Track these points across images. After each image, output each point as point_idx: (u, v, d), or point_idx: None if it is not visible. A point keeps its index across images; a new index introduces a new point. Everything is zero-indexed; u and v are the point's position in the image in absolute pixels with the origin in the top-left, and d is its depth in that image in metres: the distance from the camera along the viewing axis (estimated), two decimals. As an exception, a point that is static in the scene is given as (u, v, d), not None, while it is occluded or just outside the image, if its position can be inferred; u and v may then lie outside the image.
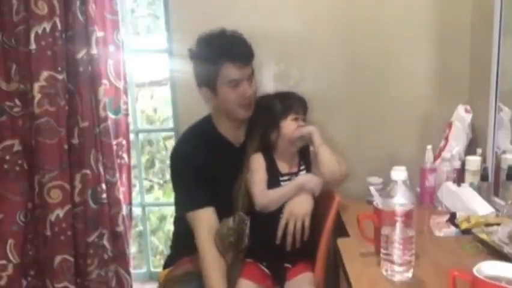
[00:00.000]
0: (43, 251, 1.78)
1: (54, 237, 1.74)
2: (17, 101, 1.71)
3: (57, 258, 1.75)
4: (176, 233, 1.62)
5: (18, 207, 1.74)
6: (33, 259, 1.80)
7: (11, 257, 1.73)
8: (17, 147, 1.72)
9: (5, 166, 1.72)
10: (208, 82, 1.42)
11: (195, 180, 1.43)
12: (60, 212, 1.73)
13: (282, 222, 1.40)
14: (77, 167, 1.76)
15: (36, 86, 1.65)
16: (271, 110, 1.49)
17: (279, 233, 1.41)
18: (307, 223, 1.40)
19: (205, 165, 1.42)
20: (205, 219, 1.40)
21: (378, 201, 1.13)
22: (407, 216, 0.97)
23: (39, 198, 1.74)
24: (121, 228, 1.82)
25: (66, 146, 1.72)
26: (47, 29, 1.63)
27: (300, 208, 1.40)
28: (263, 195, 1.41)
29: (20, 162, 1.73)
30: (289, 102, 1.51)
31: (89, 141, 1.74)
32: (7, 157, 1.71)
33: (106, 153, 1.76)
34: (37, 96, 1.66)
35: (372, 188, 1.18)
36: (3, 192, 1.73)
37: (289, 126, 1.47)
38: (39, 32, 1.62)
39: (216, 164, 1.43)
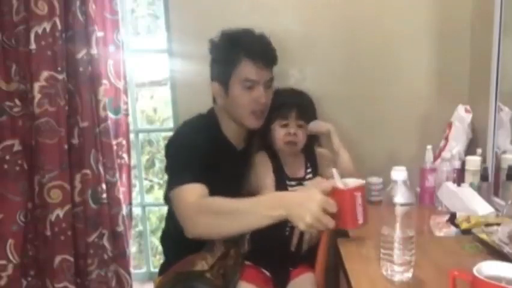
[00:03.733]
0: (43, 251, 1.77)
1: (55, 237, 1.74)
2: (17, 101, 1.71)
3: (58, 258, 1.75)
4: (166, 238, 1.50)
5: (18, 207, 1.74)
6: (33, 259, 1.80)
7: (11, 257, 1.73)
8: (17, 147, 1.72)
9: (5, 166, 1.72)
10: (221, 77, 1.33)
11: (190, 161, 1.25)
12: (60, 212, 1.73)
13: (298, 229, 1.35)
14: (77, 167, 1.76)
15: (37, 86, 1.65)
16: (271, 108, 1.47)
17: (295, 239, 1.36)
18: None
19: (204, 154, 1.27)
20: (194, 190, 1.18)
21: (338, 182, 1.09)
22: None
23: (39, 198, 1.74)
24: (121, 228, 1.82)
25: (66, 146, 1.72)
26: (47, 29, 1.63)
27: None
28: None
29: (20, 162, 1.73)
30: (277, 107, 1.42)
31: (89, 141, 1.74)
32: (7, 157, 1.71)
33: (106, 153, 1.76)
34: (37, 96, 1.66)
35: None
36: (3, 192, 1.73)
37: (278, 131, 1.43)
38: (39, 32, 1.62)
39: (213, 160, 1.29)
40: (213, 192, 1.24)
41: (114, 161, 1.78)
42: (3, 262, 1.73)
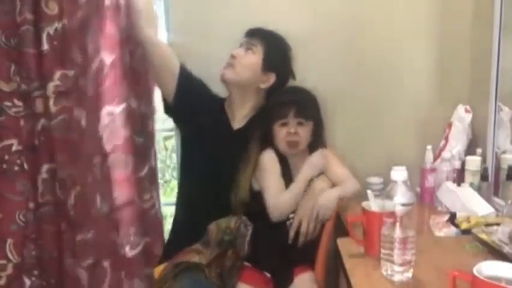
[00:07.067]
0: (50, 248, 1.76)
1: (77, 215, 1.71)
2: (16, 101, 1.71)
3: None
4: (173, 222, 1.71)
5: (18, 207, 1.74)
6: (37, 259, 1.79)
7: (10, 257, 1.73)
8: (16, 147, 1.72)
9: (4, 166, 1.72)
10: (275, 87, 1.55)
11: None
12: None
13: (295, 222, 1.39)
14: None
15: (51, 86, 1.65)
16: (268, 108, 1.47)
17: (292, 232, 1.40)
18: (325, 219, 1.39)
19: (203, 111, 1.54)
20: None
21: (372, 204, 1.11)
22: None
23: (50, 195, 1.73)
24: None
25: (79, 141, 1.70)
26: (59, 29, 1.63)
27: (328, 202, 1.39)
28: (274, 206, 1.38)
29: (20, 162, 1.73)
30: (275, 106, 1.43)
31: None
32: (6, 157, 1.71)
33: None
34: (52, 96, 1.66)
35: (369, 192, 1.15)
36: (3, 192, 1.73)
37: (278, 131, 1.41)
38: (51, 32, 1.62)
39: (201, 115, 1.52)
40: (198, 158, 1.54)
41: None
42: (3, 262, 1.73)
